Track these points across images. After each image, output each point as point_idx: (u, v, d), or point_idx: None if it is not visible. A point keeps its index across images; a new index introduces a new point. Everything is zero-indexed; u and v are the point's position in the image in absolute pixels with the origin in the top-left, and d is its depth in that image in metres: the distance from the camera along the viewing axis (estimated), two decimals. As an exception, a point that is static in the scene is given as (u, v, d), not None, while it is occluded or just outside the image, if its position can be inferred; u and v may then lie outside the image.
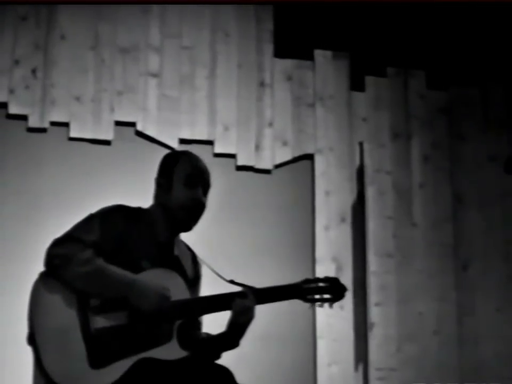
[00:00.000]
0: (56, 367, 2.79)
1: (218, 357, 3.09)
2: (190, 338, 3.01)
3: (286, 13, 5.35)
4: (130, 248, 2.96)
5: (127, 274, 2.88)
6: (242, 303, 2.94)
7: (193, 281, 3.13)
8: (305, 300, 3.03)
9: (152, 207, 3.11)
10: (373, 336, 5.02)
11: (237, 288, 3.02)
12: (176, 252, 3.10)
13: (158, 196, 3.11)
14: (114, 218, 2.99)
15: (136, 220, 3.03)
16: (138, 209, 3.09)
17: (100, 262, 2.88)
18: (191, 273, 3.13)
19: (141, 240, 3.00)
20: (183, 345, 2.88)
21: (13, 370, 4.34)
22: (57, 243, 2.92)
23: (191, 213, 3.04)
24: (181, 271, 3.03)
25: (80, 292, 2.87)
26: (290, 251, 5.11)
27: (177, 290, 2.92)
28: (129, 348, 2.82)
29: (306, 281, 3.04)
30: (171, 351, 2.84)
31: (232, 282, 3.03)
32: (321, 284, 3.04)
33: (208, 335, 3.13)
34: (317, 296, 3.03)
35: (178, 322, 2.89)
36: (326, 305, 3.04)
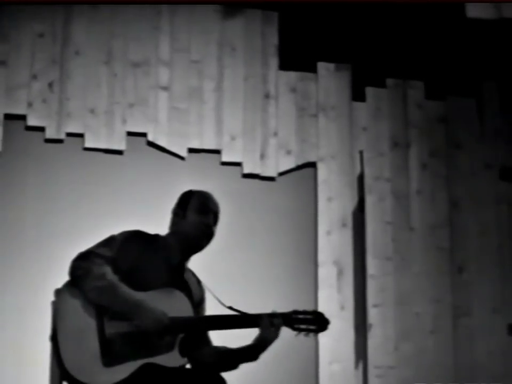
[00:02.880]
0: (73, 361, 3.06)
1: (236, 367, 3.39)
2: (200, 350, 3.35)
3: (290, 27, 5.46)
4: (144, 269, 3.24)
5: (135, 296, 3.14)
6: (272, 321, 3.25)
7: (199, 303, 3.42)
8: (293, 328, 3.32)
9: (167, 234, 3.41)
10: (372, 336, 5.14)
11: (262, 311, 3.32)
12: (185, 276, 3.39)
13: (173, 224, 3.41)
14: (132, 241, 3.29)
15: (151, 245, 3.32)
16: (155, 236, 3.38)
17: (114, 279, 3.15)
18: (197, 296, 3.41)
19: (154, 263, 3.28)
20: (183, 354, 3.19)
21: (32, 363, 4.51)
22: (81, 257, 3.22)
23: (203, 235, 3.34)
24: (188, 293, 3.31)
25: (92, 302, 3.14)
26: (293, 255, 5.24)
27: (182, 308, 3.22)
28: (137, 353, 3.10)
29: (295, 312, 3.33)
30: (172, 359, 3.14)
31: (230, 308, 3.32)
32: (307, 316, 3.33)
33: (226, 348, 3.40)
34: (303, 326, 3.31)
35: (180, 335, 3.18)
36: (311, 335, 3.33)
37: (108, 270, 3.17)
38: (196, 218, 3.35)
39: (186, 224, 3.36)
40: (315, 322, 3.33)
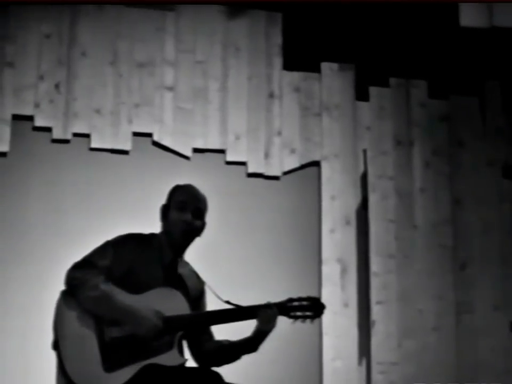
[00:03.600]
0: (75, 369, 3.11)
1: (238, 358, 3.42)
2: (203, 345, 3.42)
3: (294, 28, 5.50)
4: (139, 272, 3.28)
5: (128, 303, 3.18)
6: (267, 312, 3.28)
7: (198, 297, 3.46)
8: (289, 316, 3.34)
9: (160, 232, 3.44)
10: (375, 333, 5.19)
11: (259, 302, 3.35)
12: (179, 271, 3.41)
13: (161, 222, 3.44)
14: (126, 246, 3.32)
15: (145, 246, 3.36)
16: (149, 236, 3.41)
17: (108, 288, 3.19)
18: (195, 291, 3.44)
19: (148, 264, 3.32)
20: (182, 353, 3.26)
21: (39, 373, 4.54)
22: (76, 266, 3.26)
23: (184, 233, 3.36)
24: (184, 289, 3.35)
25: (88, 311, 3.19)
26: (297, 252, 5.28)
27: (178, 306, 3.26)
28: (137, 355, 3.15)
29: (290, 300, 3.35)
30: (172, 358, 3.19)
31: (228, 302, 3.35)
32: (303, 303, 3.35)
33: (227, 341, 3.44)
34: (299, 313, 3.33)
35: (179, 333, 3.24)
36: (308, 321, 3.34)
37: (101, 280, 3.21)
38: (175, 216, 3.36)
39: (169, 222, 3.38)
40: (311, 308, 3.34)
